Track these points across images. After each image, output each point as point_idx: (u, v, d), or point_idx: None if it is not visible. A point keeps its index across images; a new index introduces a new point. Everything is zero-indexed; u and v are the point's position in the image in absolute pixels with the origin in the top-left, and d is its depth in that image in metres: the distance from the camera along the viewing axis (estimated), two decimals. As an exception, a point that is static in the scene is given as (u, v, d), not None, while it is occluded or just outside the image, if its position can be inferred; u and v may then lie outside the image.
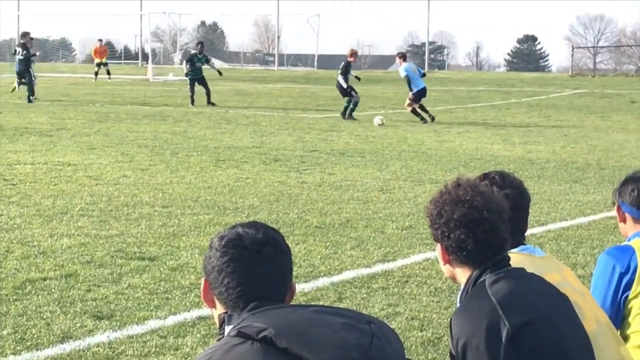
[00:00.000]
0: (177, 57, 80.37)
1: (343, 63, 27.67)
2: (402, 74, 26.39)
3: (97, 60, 48.35)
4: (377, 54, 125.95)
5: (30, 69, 31.41)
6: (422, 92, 26.33)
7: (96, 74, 47.40)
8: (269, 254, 2.69)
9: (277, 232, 2.78)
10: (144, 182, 13.75)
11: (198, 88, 30.96)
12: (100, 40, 51.25)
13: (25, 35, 33.29)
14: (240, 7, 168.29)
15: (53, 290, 7.83)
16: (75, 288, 7.90)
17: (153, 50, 67.08)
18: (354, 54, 28.10)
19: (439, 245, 3.50)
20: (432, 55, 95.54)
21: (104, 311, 7.29)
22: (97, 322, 7.02)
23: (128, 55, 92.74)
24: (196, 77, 31.27)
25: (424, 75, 27.29)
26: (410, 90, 26.25)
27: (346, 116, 26.63)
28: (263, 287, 2.67)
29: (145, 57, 70.31)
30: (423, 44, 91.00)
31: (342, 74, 27.34)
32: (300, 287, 8.05)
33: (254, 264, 2.67)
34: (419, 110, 26.08)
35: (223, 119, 25.68)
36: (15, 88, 32.84)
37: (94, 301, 7.54)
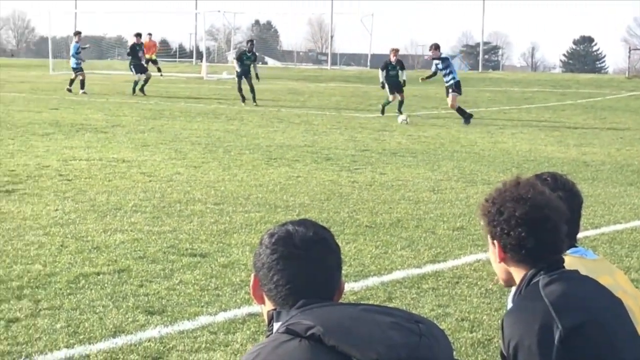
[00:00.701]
0: (231, 55, 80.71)
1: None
2: (448, 61, 26.34)
3: (146, 57, 48.08)
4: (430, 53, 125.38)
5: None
6: (459, 84, 26.43)
7: (157, 69, 47.44)
8: (319, 252, 2.69)
9: (327, 231, 2.77)
10: (196, 179, 13.84)
11: (244, 86, 30.92)
12: (150, 35, 50.81)
13: (77, 34, 35.62)
14: (294, 6, 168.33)
15: (106, 285, 7.91)
16: (127, 283, 7.98)
17: (207, 49, 67.44)
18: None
19: (495, 242, 3.47)
20: (486, 56, 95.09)
21: (156, 306, 7.35)
22: (149, 317, 7.09)
23: (183, 53, 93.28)
24: (244, 74, 31.24)
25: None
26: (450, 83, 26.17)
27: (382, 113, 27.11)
28: (312, 284, 2.67)
29: (199, 55, 70.68)
30: (477, 44, 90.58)
31: (381, 69, 28.34)
32: (350, 286, 8.06)
33: (304, 262, 2.67)
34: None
35: (275, 117, 25.75)
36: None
37: (146, 296, 7.61)
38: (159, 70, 48.06)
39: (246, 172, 14.75)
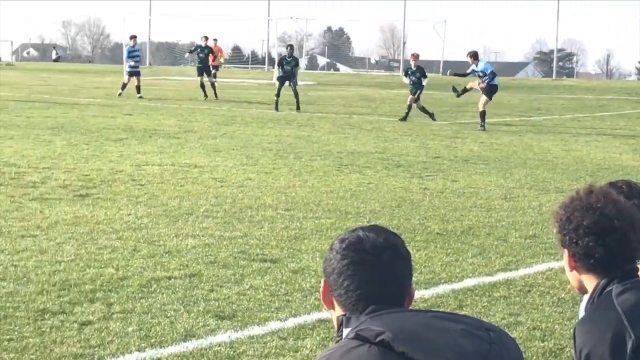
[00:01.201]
0: (303, 62, 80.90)
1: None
2: (489, 69, 26.15)
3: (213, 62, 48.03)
4: (503, 60, 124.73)
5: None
6: (494, 89, 26.32)
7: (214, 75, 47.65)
8: (389, 258, 2.67)
9: (398, 237, 2.75)
10: (267, 185, 13.90)
11: (286, 91, 30.91)
12: (215, 40, 50.81)
13: (132, 37, 36.38)
14: (366, 13, 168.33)
15: (177, 289, 7.97)
16: (198, 288, 8.03)
17: (279, 55, 67.62)
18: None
19: (566, 251, 3.44)
20: (560, 63, 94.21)
21: (226, 311, 7.39)
22: (219, 321, 7.13)
23: (255, 59, 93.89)
24: (286, 80, 31.18)
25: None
26: (485, 85, 26.03)
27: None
28: (382, 291, 2.65)
29: (271, 61, 70.98)
30: (551, 51, 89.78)
31: (404, 75, 29.21)
32: (420, 293, 8.03)
33: (374, 268, 2.66)
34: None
35: (347, 124, 25.76)
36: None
37: (216, 301, 7.65)
38: (214, 76, 48.12)
39: (317, 178, 14.77)
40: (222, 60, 48.72)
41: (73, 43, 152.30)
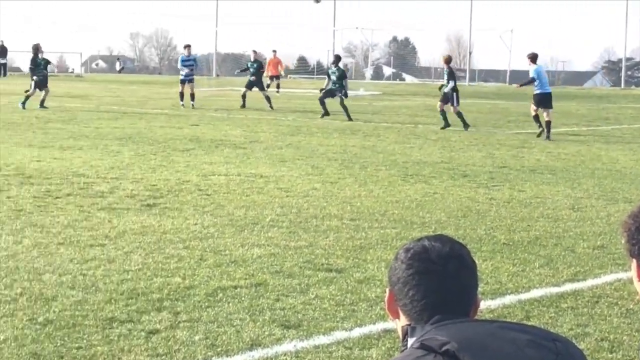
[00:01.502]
0: (369, 72, 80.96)
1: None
2: (534, 75, 25.80)
3: (269, 73, 47.88)
4: (571, 69, 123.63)
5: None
6: (542, 97, 25.66)
7: (268, 86, 47.70)
8: (455, 268, 2.65)
9: (464, 247, 2.74)
10: (332, 194, 13.91)
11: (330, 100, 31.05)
12: (274, 52, 50.74)
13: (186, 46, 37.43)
14: (432, 23, 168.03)
15: (243, 298, 8.00)
16: (264, 297, 8.06)
17: (345, 65, 67.66)
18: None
19: (634, 261, 3.39)
20: (629, 72, 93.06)
21: (292, 321, 7.40)
22: (285, 331, 7.13)
23: (320, 70, 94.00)
24: (331, 92, 31.23)
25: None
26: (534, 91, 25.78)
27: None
28: (447, 300, 2.64)
29: (337, 71, 70.92)
30: (620, 60, 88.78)
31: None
32: (486, 303, 7.97)
33: (439, 278, 2.64)
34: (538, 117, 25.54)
35: (412, 134, 25.71)
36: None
37: (282, 310, 7.66)
38: (278, 87, 48.15)
39: (382, 188, 14.75)
40: (282, 71, 48.77)
41: (140, 54, 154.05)
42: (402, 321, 2.70)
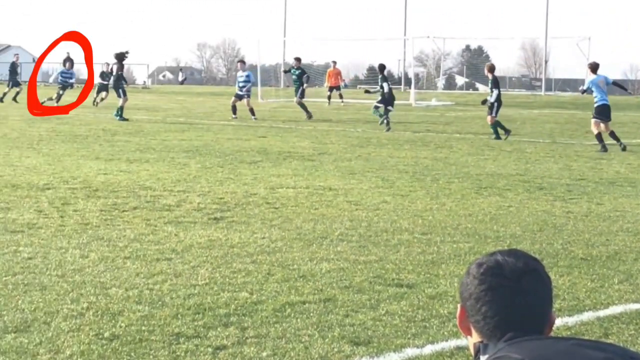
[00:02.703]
0: (441, 82, 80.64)
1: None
2: (588, 85, 25.36)
3: (328, 84, 48.50)
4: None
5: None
6: (600, 109, 24.92)
7: (329, 97, 47.84)
8: (529, 283, 2.61)
9: (538, 262, 2.68)
10: (403, 208, 13.73)
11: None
12: (334, 62, 50.89)
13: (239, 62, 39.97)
14: (507, 31, 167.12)
15: (312, 314, 7.86)
16: (333, 313, 7.91)
17: (416, 75, 67.52)
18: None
19: None
20: None
21: (362, 337, 7.25)
22: (355, 347, 7.00)
23: (391, 79, 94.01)
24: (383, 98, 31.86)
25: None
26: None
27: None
28: (521, 317, 2.60)
29: (408, 81, 70.94)
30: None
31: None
32: (563, 320, 7.75)
33: (513, 294, 2.60)
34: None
35: (486, 145, 25.44)
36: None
37: (351, 326, 7.52)
38: (341, 97, 48.50)
39: (455, 201, 14.54)
40: (342, 83, 48.99)
41: (208, 65, 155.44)
42: (475, 338, 2.67)
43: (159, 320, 7.57)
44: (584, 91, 25.87)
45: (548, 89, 75.31)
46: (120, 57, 34.94)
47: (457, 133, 29.92)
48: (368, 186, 16.14)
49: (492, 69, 29.28)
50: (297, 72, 38.49)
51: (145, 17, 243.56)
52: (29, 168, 17.85)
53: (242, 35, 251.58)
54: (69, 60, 50.96)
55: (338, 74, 49.88)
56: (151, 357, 6.68)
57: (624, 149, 23.92)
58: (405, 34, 74.53)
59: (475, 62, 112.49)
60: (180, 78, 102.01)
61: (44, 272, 9.17)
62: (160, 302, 8.14)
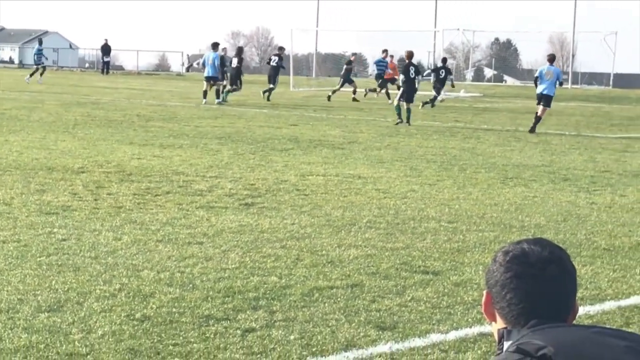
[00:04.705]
0: (470, 73, 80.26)
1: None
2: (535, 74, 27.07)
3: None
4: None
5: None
6: (539, 96, 27.26)
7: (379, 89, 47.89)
8: (554, 272, 2.63)
9: (563, 251, 2.71)
10: (430, 196, 13.83)
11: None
12: (392, 57, 50.64)
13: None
14: (535, 25, 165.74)
15: (339, 299, 7.99)
16: (360, 298, 8.04)
17: (419, 62, 67.25)
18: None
19: None
20: None
21: (387, 322, 7.36)
22: (380, 332, 7.10)
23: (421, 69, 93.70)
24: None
25: (560, 84, 28.33)
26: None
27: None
28: (545, 305, 2.63)
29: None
30: None
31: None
32: (585, 309, 7.84)
33: (538, 282, 2.62)
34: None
35: (512, 136, 25.44)
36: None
37: (377, 312, 7.64)
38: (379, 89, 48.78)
39: (481, 190, 14.62)
40: (397, 76, 48.85)
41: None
42: (499, 324, 2.70)
43: (189, 303, 7.70)
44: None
45: (575, 82, 74.80)
46: (240, 51, 40.92)
47: (485, 124, 29.89)
48: (396, 175, 16.24)
49: (553, 59, 29.58)
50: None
51: (181, 4, 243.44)
52: (64, 152, 18.06)
53: (276, 25, 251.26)
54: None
55: (394, 67, 49.56)
56: (181, 338, 6.80)
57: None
58: (435, 26, 74.21)
59: (504, 55, 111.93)
60: (186, 64, 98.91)
61: (77, 254, 9.35)
62: (190, 285, 8.29)
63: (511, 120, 31.64)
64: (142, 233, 10.48)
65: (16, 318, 7.16)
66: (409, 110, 28.59)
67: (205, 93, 36.40)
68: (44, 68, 51.07)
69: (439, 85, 39.13)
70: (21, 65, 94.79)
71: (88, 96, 38.47)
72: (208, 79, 36.69)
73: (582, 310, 7.72)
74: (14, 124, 23.79)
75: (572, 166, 18.49)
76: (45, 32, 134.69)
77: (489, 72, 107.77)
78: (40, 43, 53.30)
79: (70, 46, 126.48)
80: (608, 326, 7.27)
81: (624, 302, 8.23)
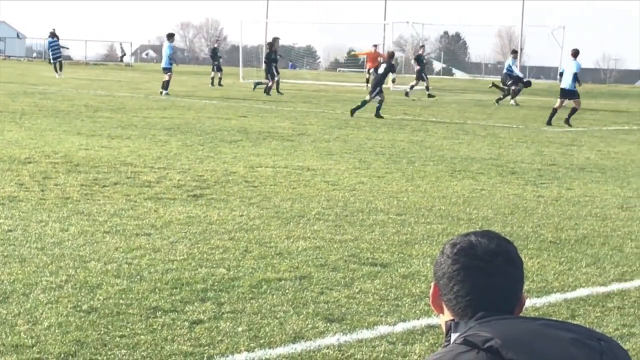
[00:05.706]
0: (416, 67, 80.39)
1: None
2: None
3: (367, 66, 48.33)
4: (623, 68, 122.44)
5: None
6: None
7: (367, 80, 47.87)
8: (501, 264, 2.64)
9: (510, 243, 2.72)
10: (379, 189, 13.87)
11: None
12: (375, 46, 50.35)
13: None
14: (484, 19, 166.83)
15: (287, 290, 7.99)
16: (308, 290, 8.04)
17: (395, 60, 67.43)
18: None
19: None
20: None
21: (335, 314, 7.38)
22: (328, 324, 7.11)
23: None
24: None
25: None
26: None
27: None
28: (492, 297, 2.64)
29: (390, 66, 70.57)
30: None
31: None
32: (532, 301, 7.91)
33: (485, 274, 2.64)
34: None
35: (461, 129, 25.59)
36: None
37: (326, 304, 7.64)
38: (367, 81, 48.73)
39: (429, 183, 14.69)
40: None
41: (190, 45, 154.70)
42: (447, 316, 2.71)
43: (137, 294, 7.66)
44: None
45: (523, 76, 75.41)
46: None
47: (433, 117, 30.04)
48: (345, 167, 16.27)
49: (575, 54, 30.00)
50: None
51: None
52: (10, 142, 17.88)
53: (225, 16, 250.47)
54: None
55: (377, 56, 49.20)
56: (128, 330, 6.76)
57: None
58: (385, 19, 74.39)
59: (453, 48, 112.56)
60: (120, 54, 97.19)
61: (23, 245, 9.26)
62: (138, 277, 8.24)
63: (460, 113, 31.81)
64: (89, 224, 10.41)
65: (-40, 310, 7.07)
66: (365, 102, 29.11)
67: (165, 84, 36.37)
68: None
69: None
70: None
71: (35, 86, 38.12)
72: (163, 69, 36.87)
73: (528, 303, 7.78)
74: (-41, 114, 23.49)
75: (519, 159, 18.64)
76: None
77: (438, 66, 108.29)
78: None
79: (18, 35, 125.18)
80: (554, 318, 7.36)
81: (569, 295, 8.31)
